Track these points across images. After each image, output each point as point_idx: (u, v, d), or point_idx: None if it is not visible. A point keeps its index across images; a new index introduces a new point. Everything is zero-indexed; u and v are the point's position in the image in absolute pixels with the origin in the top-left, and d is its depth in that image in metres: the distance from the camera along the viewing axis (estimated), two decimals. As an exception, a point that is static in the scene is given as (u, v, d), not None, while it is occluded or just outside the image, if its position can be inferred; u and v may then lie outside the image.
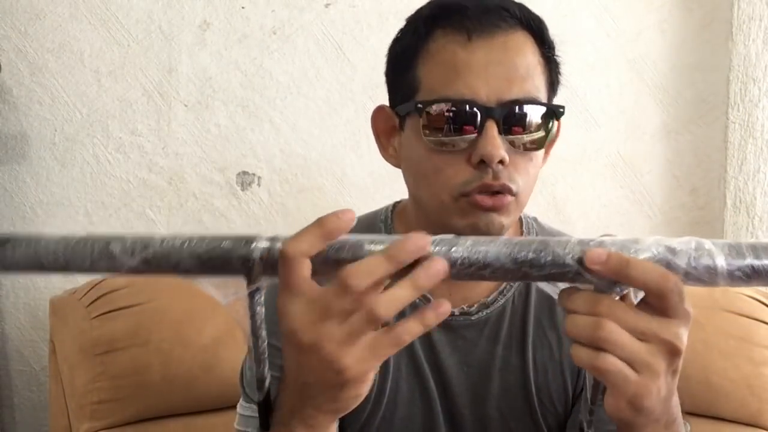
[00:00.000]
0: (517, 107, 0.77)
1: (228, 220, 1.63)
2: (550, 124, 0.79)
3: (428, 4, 0.83)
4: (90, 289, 1.35)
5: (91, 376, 1.27)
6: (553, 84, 0.83)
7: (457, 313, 0.88)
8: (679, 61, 1.69)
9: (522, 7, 0.81)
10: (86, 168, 1.58)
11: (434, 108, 0.77)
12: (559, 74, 0.84)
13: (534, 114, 0.78)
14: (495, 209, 0.78)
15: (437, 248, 0.58)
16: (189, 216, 1.61)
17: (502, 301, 0.89)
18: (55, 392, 1.35)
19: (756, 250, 0.57)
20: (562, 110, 0.80)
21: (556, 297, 0.60)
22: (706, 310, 1.32)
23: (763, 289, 1.37)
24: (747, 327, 1.31)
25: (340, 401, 0.61)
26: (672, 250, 0.57)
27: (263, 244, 0.60)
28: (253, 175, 1.63)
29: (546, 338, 0.90)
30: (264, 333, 0.63)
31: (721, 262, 0.56)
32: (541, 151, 0.82)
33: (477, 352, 0.89)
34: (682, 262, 0.56)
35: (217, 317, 1.31)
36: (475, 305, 0.88)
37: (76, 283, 1.47)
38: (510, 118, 0.76)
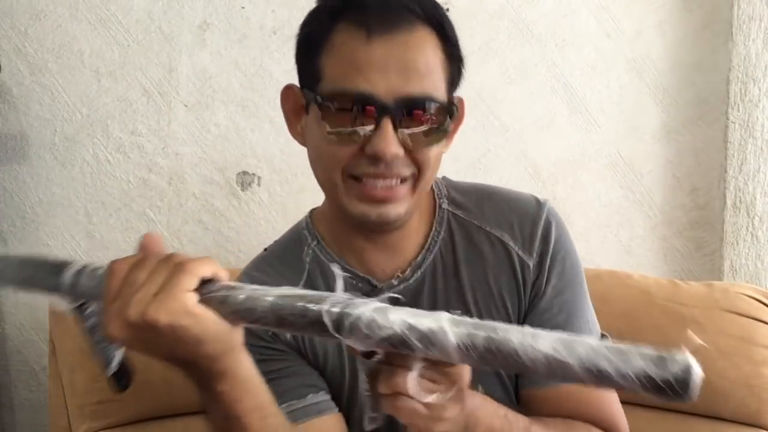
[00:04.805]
0: (413, 104, 0.78)
1: (228, 220, 1.63)
2: (446, 120, 0.80)
3: None
4: (90, 289, 1.35)
5: (91, 376, 1.27)
6: (453, 80, 0.84)
7: (396, 283, 0.90)
8: (679, 61, 1.69)
9: (425, 3, 0.81)
10: (86, 168, 1.58)
11: (335, 101, 0.78)
12: (462, 69, 0.85)
13: (430, 111, 0.79)
14: (387, 200, 0.81)
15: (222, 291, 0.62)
16: (189, 216, 1.61)
17: (431, 257, 0.91)
18: (55, 392, 1.35)
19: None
20: (456, 108, 0.82)
21: None
22: (706, 310, 1.31)
23: (763, 288, 1.37)
24: (747, 327, 1.31)
25: (193, 345, 0.62)
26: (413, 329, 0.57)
27: (68, 279, 0.68)
28: (253, 175, 1.63)
29: (479, 273, 0.91)
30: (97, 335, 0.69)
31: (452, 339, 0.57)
32: (441, 142, 0.83)
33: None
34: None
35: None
36: (408, 269, 0.90)
37: (76, 283, 1.47)
38: (406, 114, 0.78)
